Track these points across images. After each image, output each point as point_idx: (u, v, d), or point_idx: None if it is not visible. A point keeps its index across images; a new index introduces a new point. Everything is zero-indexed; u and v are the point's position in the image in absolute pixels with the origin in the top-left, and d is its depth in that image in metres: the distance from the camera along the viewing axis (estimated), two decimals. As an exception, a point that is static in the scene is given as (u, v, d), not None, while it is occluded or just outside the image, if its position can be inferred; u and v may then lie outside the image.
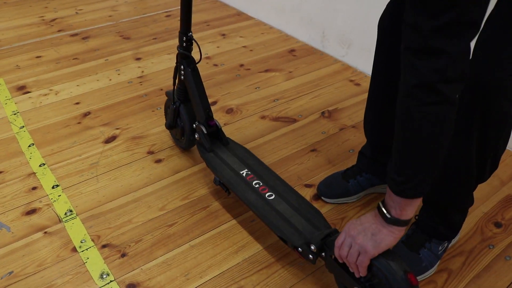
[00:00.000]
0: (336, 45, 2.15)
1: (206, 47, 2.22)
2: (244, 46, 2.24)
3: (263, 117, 1.73)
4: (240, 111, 1.76)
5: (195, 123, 1.34)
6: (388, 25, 1.13)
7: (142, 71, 2.01)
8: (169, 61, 2.09)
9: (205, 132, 1.30)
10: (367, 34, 1.98)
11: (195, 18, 2.53)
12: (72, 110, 1.75)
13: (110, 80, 1.95)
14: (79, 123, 1.68)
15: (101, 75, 1.98)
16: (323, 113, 1.77)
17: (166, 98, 1.82)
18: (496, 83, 0.87)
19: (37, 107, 1.77)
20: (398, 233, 0.86)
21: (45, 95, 1.85)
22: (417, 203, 0.84)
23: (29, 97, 1.83)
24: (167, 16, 2.56)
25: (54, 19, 2.51)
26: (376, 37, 1.19)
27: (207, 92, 1.82)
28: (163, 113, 1.73)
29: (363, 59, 2.06)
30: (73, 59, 2.11)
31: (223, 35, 2.35)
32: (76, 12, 2.60)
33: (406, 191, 0.81)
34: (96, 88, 1.89)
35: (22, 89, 1.89)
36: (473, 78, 0.89)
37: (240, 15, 2.59)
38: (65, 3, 2.73)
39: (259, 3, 2.50)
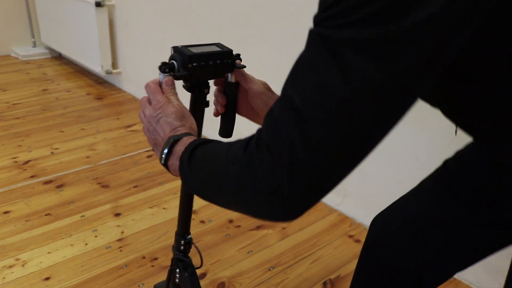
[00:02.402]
0: (330, 194, 2.03)
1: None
2: (232, 195, 2.10)
3: (259, 294, 1.54)
4: (233, 286, 1.57)
5: None
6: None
7: (122, 232, 1.82)
8: (151, 217, 1.92)
9: None
10: (364, 185, 1.87)
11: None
12: (40, 289, 1.53)
13: (86, 244, 1.75)
14: (47, 308, 1.46)
15: (76, 237, 1.79)
16: (325, 284, 1.59)
17: (147, 270, 1.62)
18: None
19: (0, 284, 1.55)
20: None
21: (10, 267, 1.63)
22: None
23: (-8, 270, 1.61)
24: (148, 157, 2.43)
25: (27, 161, 2.34)
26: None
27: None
28: (146, 293, 1.52)
29: (360, 210, 1.93)
30: (45, 215, 1.92)
31: (209, 180, 2.21)
32: (52, 152, 2.45)
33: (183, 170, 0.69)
34: (70, 257, 1.68)
35: (-16, 258, 1.67)
36: None
37: (225, 154, 2.48)
38: (40, 140, 2.59)
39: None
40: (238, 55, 0.91)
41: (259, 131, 0.56)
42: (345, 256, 1.74)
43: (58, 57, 4.25)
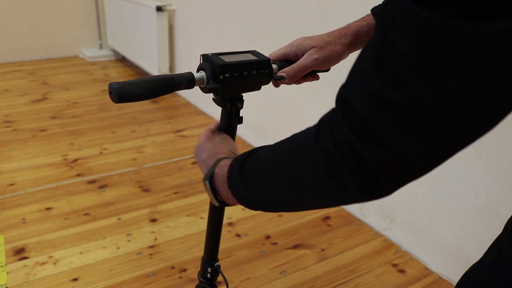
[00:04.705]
0: (377, 217, 1.89)
1: (230, 208, 2.00)
2: (272, 210, 2.01)
3: (287, 319, 1.44)
4: (260, 308, 1.48)
5: None
6: None
7: (155, 239, 1.78)
8: (187, 226, 1.87)
9: None
10: (414, 211, 1.72)
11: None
12: (67, 290, 1.52)
13: (118, 248, 1.72)
14: (70, 311, 1.43)
15: (110, 240, 1.77)
16: (360, 315, 1.47)
17: (174, 281, 1.56)
18: None
19: (30, 280, 1.55)
20: None
21: (43, 264, 1.63)
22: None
23: (25, 265, 1.62)
24: (193, 163, 2.39)
25: (76, 160, 2.38)
26: None
27: (225, 275, 1.57)
28: (169, 305, 1.46)
29: (408, 237, 1.78)
30: (84, 214, 1.92)
31: (251, 192, 2.14)
32: (101, 152, 2.47)
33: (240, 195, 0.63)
34: (100, 260, 1.66)
35: (20, 252, 1.68)
36: None
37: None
38: (92, 139, 2.63)
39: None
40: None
41: (332, 124, 0.48)
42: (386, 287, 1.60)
43: (122, 60, 4.37)
